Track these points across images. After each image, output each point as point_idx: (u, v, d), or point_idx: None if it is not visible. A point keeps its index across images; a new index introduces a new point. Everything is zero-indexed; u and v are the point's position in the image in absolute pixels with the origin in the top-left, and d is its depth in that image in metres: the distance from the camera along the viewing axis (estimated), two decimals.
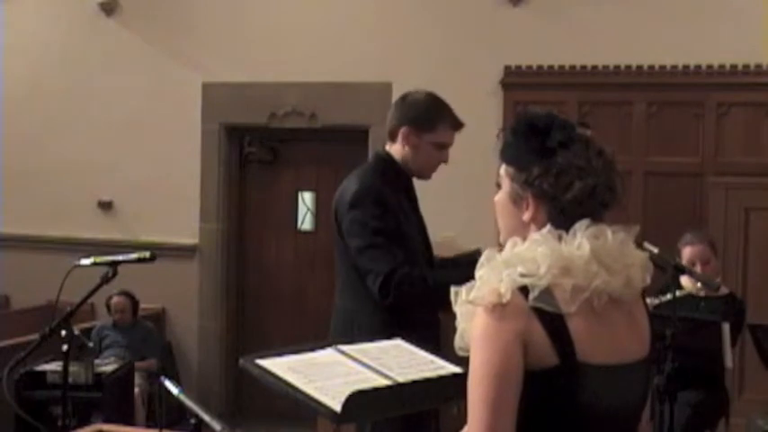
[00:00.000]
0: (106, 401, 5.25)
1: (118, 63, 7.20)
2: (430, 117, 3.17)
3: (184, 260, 6.99)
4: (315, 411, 1.97)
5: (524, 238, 1.72)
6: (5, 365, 3.31)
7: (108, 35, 7.22)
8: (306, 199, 7.10)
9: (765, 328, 4.15)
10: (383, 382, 2.08)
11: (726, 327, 3.84)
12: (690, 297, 4.27)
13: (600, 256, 1.67)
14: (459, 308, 1.74)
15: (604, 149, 1.75)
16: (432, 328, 3.16)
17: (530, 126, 1.74)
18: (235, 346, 7.05)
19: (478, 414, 1.61)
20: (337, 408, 1.91)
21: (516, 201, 1.75)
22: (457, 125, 3.22)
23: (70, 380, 3.35)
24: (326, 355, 2.21)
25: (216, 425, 2.25)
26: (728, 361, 3.87)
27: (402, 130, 3.17)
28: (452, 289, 1.75)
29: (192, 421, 2.32)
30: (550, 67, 6.20)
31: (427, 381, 2.14)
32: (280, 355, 2.15)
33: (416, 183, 3.29)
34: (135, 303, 6.32)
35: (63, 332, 3.13)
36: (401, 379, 2.10)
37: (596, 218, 1.73)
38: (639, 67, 6.05)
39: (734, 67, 5.87)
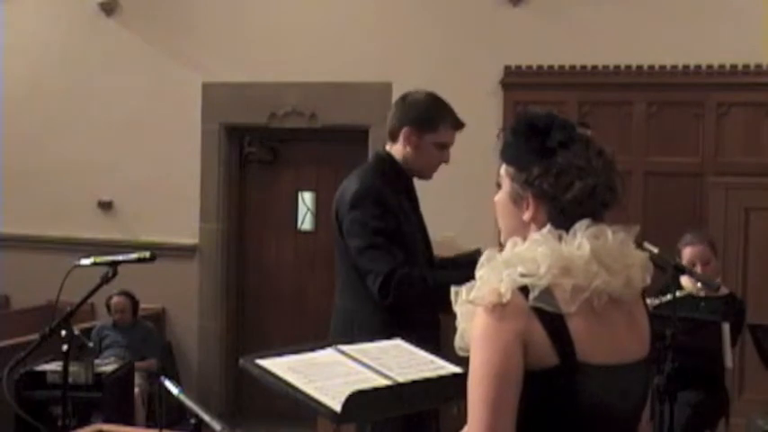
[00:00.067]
0: (106, 401, 5.25)
1: (118, 63, 7.20)
2: (431, 117, 3.17)
3: (184, 260, 6.99)
4: (315, 411, 1.97)
5: (524, 238, 1.72)
6: (5, 365, 3.31)
7: (108, 35, 7.22)
8: (306, 199, 7.10)
9: (765, 328, 4.15)
10: (383, 382, 2.08)
11: (726, 327, 3.83)
12: (690, 297, 4.27)
13: (600, 256, 1.67)
14: (459, 308, 1.74)
15: (604, 149, 1.75)
16: (432, 328, 3.16)
17: (530, 126, 1.74)
18: (235, 346, 7.05)
19: (478, 414, 1.61)
20: (337, 408, 1.91)
21: (516, 201, 1.75)
22: (458, 125, 3.22)
23: (70, 380, 3.35)
24: (326, 355, 2.21)
25: (216, 425, 2.25)
26: (728, 361, 3.87)
27: (403, 131, 3.17)
28: (452, 289, 1.75)
29: (192, 421, 2.32)
30: (550, 67, 6.20)
31: (427, 381, 2.14)
32: (280, 355, 2.15)
33: (416, 183, 3.30)
34: (135, 303, 6.32)
35: (63, 332, 3.13)
36: (401, 379, 2.10)
37: (596, 218, 1.73)
38: (639, 67, 6.05)
39: (734, 67, 5.87)
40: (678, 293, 3.75)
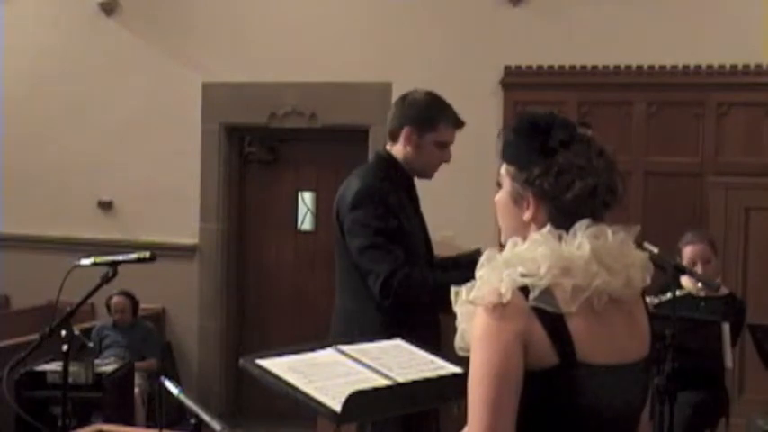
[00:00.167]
0: (106, 401, 5.25)
1: (118, 63, 7.20)
2: (431, 116, 3.17)
3: (184, 260, 6.99)
4: (315, 411, 1.97)
5: (525, 238, 1.72)
6: (5, 365, 3.30)
7: (108, 35, 7.22)
8: (306, 199, 7.10)
9: (765, 328, 4.15)
10: (383, 382, 2.08)
11: (726, 327, 3.83)
12: (690, 297, 4.27)
13: (600, 256, 1.67)
14: (459, 308, 1.74)
15: (605, 149, 1.75)
16: (432, 329, 3.16)
17: (531, 125, 1.74)
18: (235, 346, 7.05)
19: (478, 414, 1.61)
20: (337, 408, 1.91)
21: (517, 200, 1.75)
22: (458, 123, 3.22)
23: (70, 380, 3.34)
24: (326, 355, 2.21)
25: (216, 425, 2.25)
26: (728, 361, 3.87)
27: (404, 131, 3.17)
28: (452, 289, 1.75)
29: (192, 421, 2.32)
30: (550, 67, 6.20)
31: (427, 381, 2.14)
32: (280, 355, 2.15)
33: (417, 182, 3.30)
34: (135, 303, 6.32)
35: (63, 332, 3.13)
36: (401, 379, 2.10)
37: (597, 218, 1.73)
38: (639, 67, 6.05)
39: (734, 67, 5.87)
40: (678, 293, 3.75)
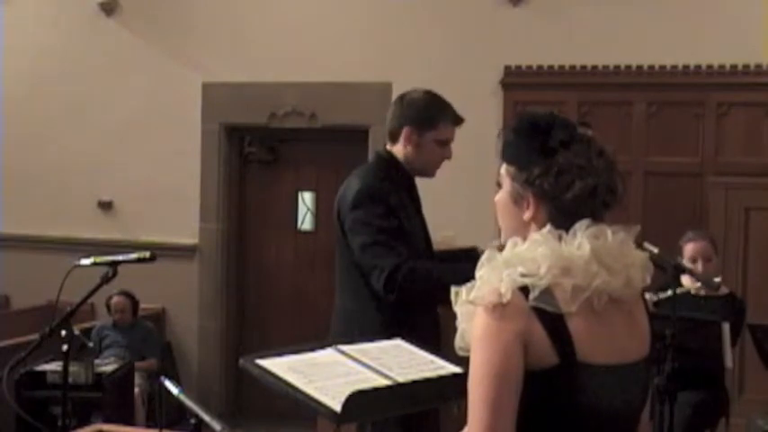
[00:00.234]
0: (106, 401, 5.25)
1: (118, 63, 7.20)
2: (430, 115, 3.17)
3: (184, 260, 6.99)
4: (315, 411, 1.97)
5: (525, 238, 1.72)
6: (5, 365, 3.30)
7: (108, 35, 7.23)
8: (306, 199, 7.10)
9: (765, 328, 4.15)
10: (383, 382, 2.08)
11: (726, 327, 3.83)
12: (690, 296, 4.27)
13: (600, 256, 1.67)
14: (459, 308, 1.74)
15: (605, 149, 1.75)
16: (432, 329, 3.16)
17: (531, 125, 1.74)
18: (235, 346, 7.05)
19: (478, 414, 1.61)
20: (337, 408, 1.91)
21: (517, 200, 1.75)
22: (457, 120, 3.22)
23: (70, 380, 3.34)
24: (326, 355, 2.21)
25: (216, 425, 2.25)
26: (728, 361, 3.87)
27: (404, 131, 3.17)
28: (453, 289, 1.75)
29: (192, 421, 2.32)
30: (550, 67, 6.20)
31: (427, 381, 2.14)
32: (280, 355, 2.15)
33: (417, 182, 3.30)
34: (135, 303, 6.32)
35: (63, 332, 3.13)
36: (401, 379, 2.10)
37: (597, 218, 1.73)
38: (639, 67, 6.05)
39: (734, 67, 5.87)
40: (678, 290, 3.76)
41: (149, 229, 7.03)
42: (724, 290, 4.32)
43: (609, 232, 1.70)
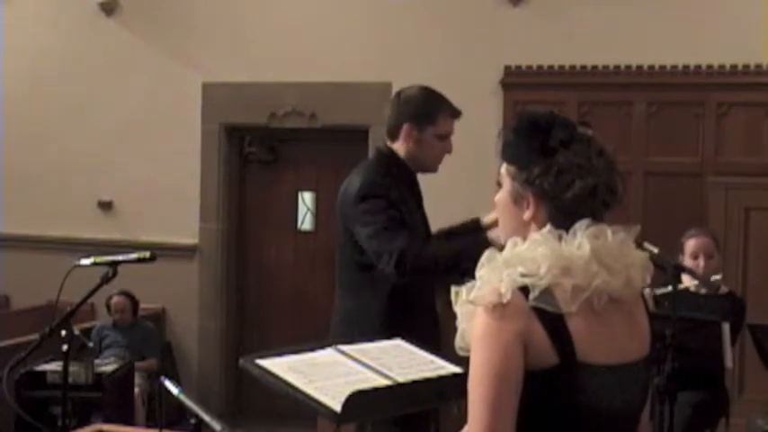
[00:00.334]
0: (106, 401, 5.25)
1: (118, 63, 7.20)
2: (429, 110, 3.18)
3: (184, 260, 6.99)
4: (315, 411, 1.97)
5: (525, 238, 1.72)
6: (5, 365, 3.30)
7: (108, 35, 7.22)
8: (306, 199, 7.10)
9: (765, 328, 4.15)
10: (383, 382, 2.08)
11: (726, 327, 3.83)
12: (690, 294, 4.26)
13: (600, 255, 1.67)
14: (459, 308, 1.74)
15: (605, 149, 1.75)
16: (432, 329, 3.16)
17: (531, 125, 1.74)
18: (235, 346, 7.05)
19: (478, 414, 1.61)
20: (337, 408, 1.91)
21: (517, 200, 1.75)
22: (455, 113, 3.23)
23: (70, 380, 3.35)
24: (326, 355, 2.21)
25: (216, 425, 2.26)
26: (728, 361, 3.87)
27: (403, 128, 3.18)
28: (453, 289, 1.75)
29: (192, 421, 2.32)
30: (550, 67, 6.20)
31: (427, 381, 2.14)
32: (280, 355, 2.15)
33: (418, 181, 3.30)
34: (135, 303, 6.32)
35: (63, 332, 3.13)
36: (401, 379, 2.11)
37: (597, 218, 1.73)
38: (639, 67, 6.05)
39: (734, 67, 5.87)
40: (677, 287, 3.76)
41: (149, 229, 7.03)
42: (724, 289, 4.32)
43: (609, 232, 1.70)
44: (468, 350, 1.68)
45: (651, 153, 6.03)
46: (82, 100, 7.27)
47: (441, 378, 2.16)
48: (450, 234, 3.26)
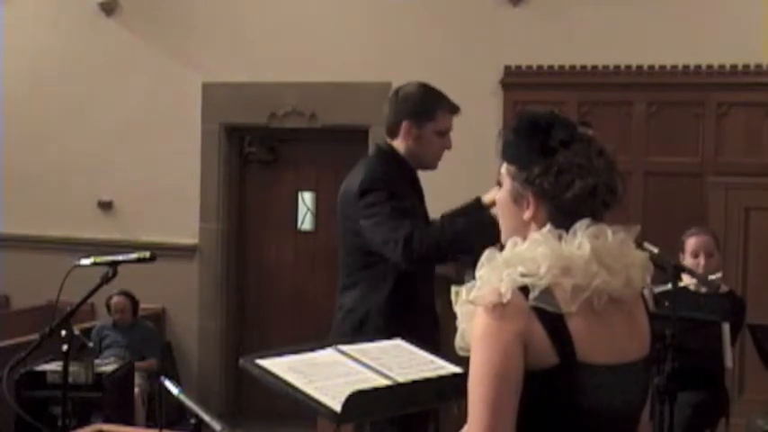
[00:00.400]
0: (106, 401, 5.25)
1: (118, 63, 7.19)
2: (428, 107, 3.19)
3: (184, 260, 6.99)
4: (315, 411, 1.97)
5: (525, 238, 1.72)
6: (5, 365, 3.30)
7: (108, 35, 7.22)
8: (306, 199, 7.10)
9: (765, 328, 4.15)
10: (383, 382, 2.08)
11: (726, 326, 3.83)
12: (690, 293, 4.26)
13: (600, 255, 1.67)
14: (459, 308, 1.74)
15: (605, 149, 1.75)
16: (432, 329, 3.16)
17: (531, 125, 1.74)
18: (235, 346, 7.05)
19: (478, 414, 1.61)
20: (337, 408, 1.91)
21: (517, 199, 1.75)
22: (454, 109, 3.24)
23: (70, 380, 3.35)
24: (326, 355, 2.21)
25: (216, 425, 2.25)
26: (728, 361, 3.87)
27: (403, 125, 3.19)
28: (453, 289, 1.76)
29: (192, 421, 2.32)
30: (550, 67, 6.20)
31: (427, 381, 2.14)
32: (280, 355, 2.15)
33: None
34: (135, 303, 6.32)
35: (63, 332, 3.13)
36: (401, 379, 2.11)
37: (597, 217, 1.73)
38: (639, 67, 6.05)
39: (734, 67, 5.87)
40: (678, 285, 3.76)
41: (149, 229, 7.03)
42: (724, 288, 4.32)
43: (609, 232, 1.70)
44: (468, 350, 1.68)
45: (651, 153, 6.03)
46: (82, 100, 7.27)
47: (441, 378, 2.16)
48: (452, 216, 3.26)
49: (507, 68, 6.28)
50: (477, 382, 1.62)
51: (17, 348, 4.48)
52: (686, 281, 4.29)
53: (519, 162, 1.74)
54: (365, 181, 3.09)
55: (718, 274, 4.10)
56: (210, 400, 6.77)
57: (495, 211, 2.82)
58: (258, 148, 7.13)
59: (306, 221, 7.10)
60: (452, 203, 5.98)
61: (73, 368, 4.72)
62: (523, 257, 1.67)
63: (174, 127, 7.06)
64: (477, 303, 1.66)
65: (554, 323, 1.62)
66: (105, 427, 3.74)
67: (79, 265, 3.24)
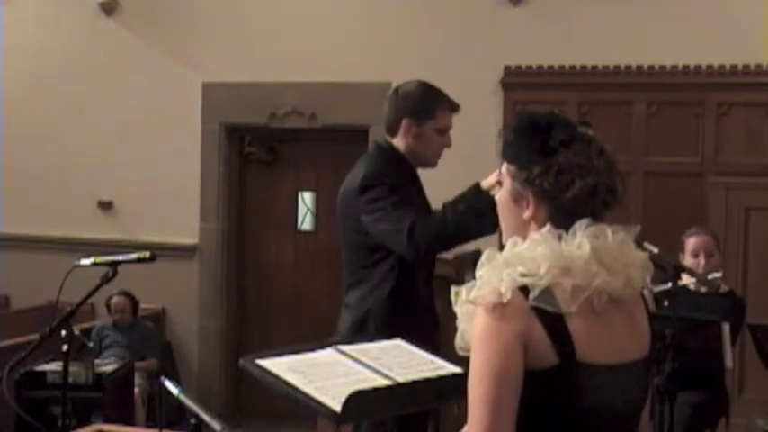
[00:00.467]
0: (106, 401, 5.25)
1: (118, 63, 7.19)
2: (427, 105, 3.19)
3: (184, 260, 6.99)
4: (315, 411, 1.97)
5: (525, 237, 1.72)
6: (5, 365, 3.31)
7: (108, 35, 7.22)
8: (306, 199, 7.10)
9: (765, 328, 4.15)
10: (383, 382, 2.08)
11: (726, 326, 3.84)
12: (690, 293, 4.26)
13: (600, 255, 1.67)
14: (459, 308, 1.74)
15: (606, 149, 1.75)
16: (432, 329, 3.16)
17: (532, 125, 1.74)
18: (235, 346, 7.05)
19: (478, 414, 1.61)
20: (337, 408, 1.91)
21: (517, 199, 1.75)
22: (454, 107, 3.25)
23: (70, 380, 3.35)
24: (326, 355, 2.21)
25: (216, 425, 2.26)
26: (728, 361, 3.87)
27: (402, 123, 3.19)
28: (453, 289, 1.76)
29: (192, 421, 2.32)
30: (550, 67, 6.20)
31: (427, 381, 2.14)
32: (280, 355, 2.15)
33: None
34: (135, 303, 6.32)
35: (63, 332, 3.13)
36: (401, 379, 2.11)
37: (597, 217, 1.72)
38: (639, 67, 6.04)
39: (734, 67, 5.87)
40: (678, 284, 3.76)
41: (149, 229, 7.03)
42: (724, 287, 4.32)
43: (609, 232, 1.70)
44: (468, 350, 1.68)
45: (651, 153, 6.03)
46: (82, 100, 7.27)
47: (441, 378, 2.16)
48: (453, 204, 3.27)
49: (507, 68, 6.28)
50: (478, 382, 1.62)
51: (17, 348, 4.48)
52: (686, 281, 4.29)
53: (519, 162, 1.74)
54: (366, 177, 3.09)
55: (718, 274, 4.10)
56: (210, 400, 6.77)
57: (494, 192, 2.84)
58: (258, 148, 7.13)
59: (306, 221, 7.10)
60: None
61: (73, 368, 4.72)
62: (523, 257, 1.67)
63: (174, 127, 7.06)
64: (477, 303, 1.66)
65: (554, 323, 1.62)
66: (105, 427, 3.74)
67: (79, 265, 3.25)
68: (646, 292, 1.91)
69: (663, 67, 6.01)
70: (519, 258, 1.67)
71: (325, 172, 6.85)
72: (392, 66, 6.40)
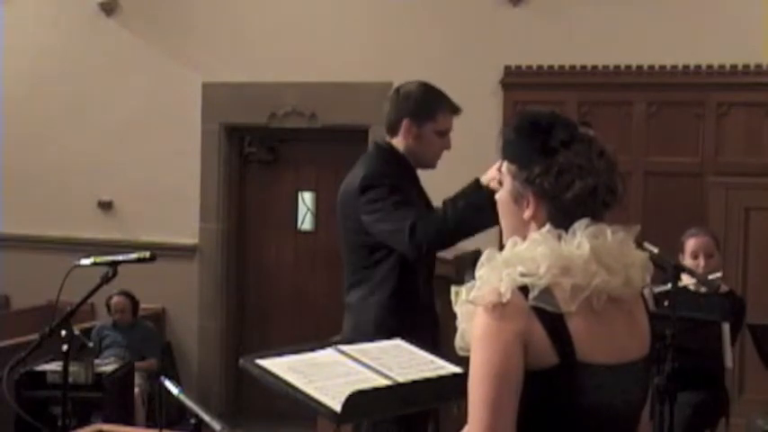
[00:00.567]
0: (106, 401, 5.26)
1: (118, 63, 7.20)
2: (428, 107, 3.19)
3: (184, 260, 6.99)
4: (315, 411, 1.97)
5: (525, 237, 1.72)
6: (5, 365, 3.30)
7: (108, 35, 7.23)
8: (306, 199, 7.10)
9: (765, 328, 4.15)
10: (383, 382, 2.08)
11: (726, 327, 3.83)
12: (690, 293, 4.26)
13: (599, 255, 1.67)
14: (459, 308, 1.74)
15: (606, 149, 1.74)
16: (431, 329, 3.16)
17: (532, 124, 1.74)
18: (235, 346, 7.05)
19: (478, 414, 1.61)
20: (337, 408, 1.91)
21: (517, 199, 1.75)
22: (455, 109, 3.24)
23: (70, 380, 3.35)
24: (326, 355, 2.21)
25: (216, 425, 2.26)
26: (728, 361, 3.87)
27: (403, 123, 3.19)
28: (453, 289, 1.76)
29: (192, 421, 2.32)
30: (550, 67, 6.20)
31: (427, 381, 2.14)
32: (280, 355, 2.15)
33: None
34: (135, 303, 6.32)
35: (63, 332, 3.13)
36: (401, 379, 2.11)
37: (596, 217, 1.72)
38: (639, 67, 6.05)
39: (734, 67, 5.87)
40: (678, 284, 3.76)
41: (149, 229, 7.03)
42: (724, 288, 4.32)
43: (608, 232, 1.70)
44: (468, 350, 1.68)
45: (651, 153, 6.03)
46: (82, 100, 7.27)
47: (441, 378, 2.16)
48: (454, 201, 3.27)
49: (507, 68, 6.28)
50: (478, 383, 1.62)
51: (17, 348, 4.48)
52: (686, 281, 4.28)
53: (519, 161, 1.74)
54: (366, 177, 3.09)
55: (718, 274, 4.10)
56: (210, 400, 6.77)
57: (493, 185, 2.84)
58: (258, 148, 7.13)
59: (306, 221, 7.10)
60: None
61: (73, 368, 4.73)
62: (523, 257, 1.67)
63: (174, 127, 7.06)
64: (476, 303, 1.66)
65: (554, 323, 1.62)
66: (105, 427, 3.74)
67: (79, 265, 3.24)
68: (646, 292, 1.91)
69: (663, 67, 6.01)
70: (519, 258, 1.67)
71: (325, 172, 6.85)
72: (392, 66, 6.40)
